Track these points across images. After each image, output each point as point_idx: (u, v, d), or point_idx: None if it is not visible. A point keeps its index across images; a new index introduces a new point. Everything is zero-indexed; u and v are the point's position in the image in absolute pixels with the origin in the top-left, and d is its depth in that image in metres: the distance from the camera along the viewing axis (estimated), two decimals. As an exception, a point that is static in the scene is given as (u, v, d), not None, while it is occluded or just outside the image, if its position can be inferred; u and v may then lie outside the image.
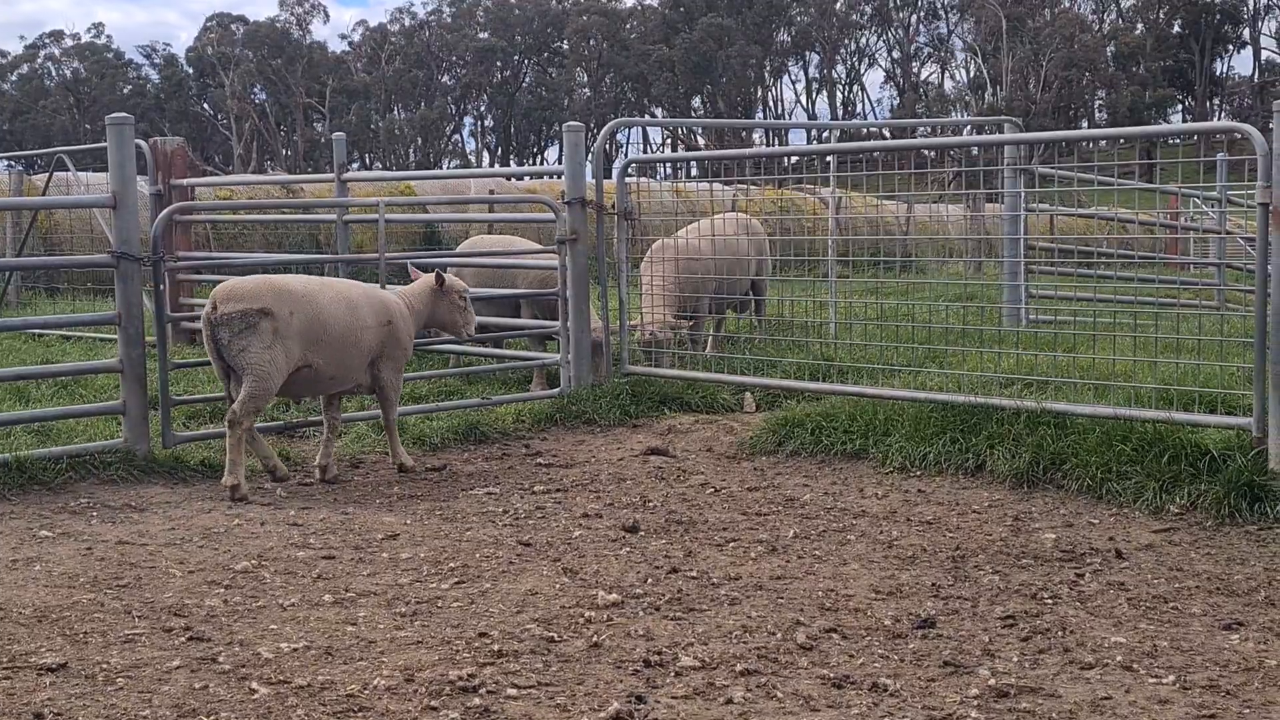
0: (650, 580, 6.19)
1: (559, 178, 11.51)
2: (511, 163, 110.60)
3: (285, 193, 21.98)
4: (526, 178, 31.77)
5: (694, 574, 6.28)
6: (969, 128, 50.22)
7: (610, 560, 6.56)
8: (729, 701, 4.67)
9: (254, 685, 4.81)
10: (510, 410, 10.20)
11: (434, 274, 9.11)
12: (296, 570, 6.44)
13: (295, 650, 5.22)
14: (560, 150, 11.24)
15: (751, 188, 17.30)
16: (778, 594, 5.98)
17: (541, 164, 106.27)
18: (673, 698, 4.71)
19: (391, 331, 8.69)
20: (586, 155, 10.88)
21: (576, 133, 10.95)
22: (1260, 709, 4.58)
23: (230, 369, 8.18)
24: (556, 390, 10.54)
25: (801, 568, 6.42)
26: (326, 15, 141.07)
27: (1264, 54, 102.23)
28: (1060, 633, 5.40)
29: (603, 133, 11.45)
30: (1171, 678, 4.87)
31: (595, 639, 5.32)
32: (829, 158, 13.74)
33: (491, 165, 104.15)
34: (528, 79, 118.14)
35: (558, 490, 8.21)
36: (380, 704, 4.65)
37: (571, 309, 10.52)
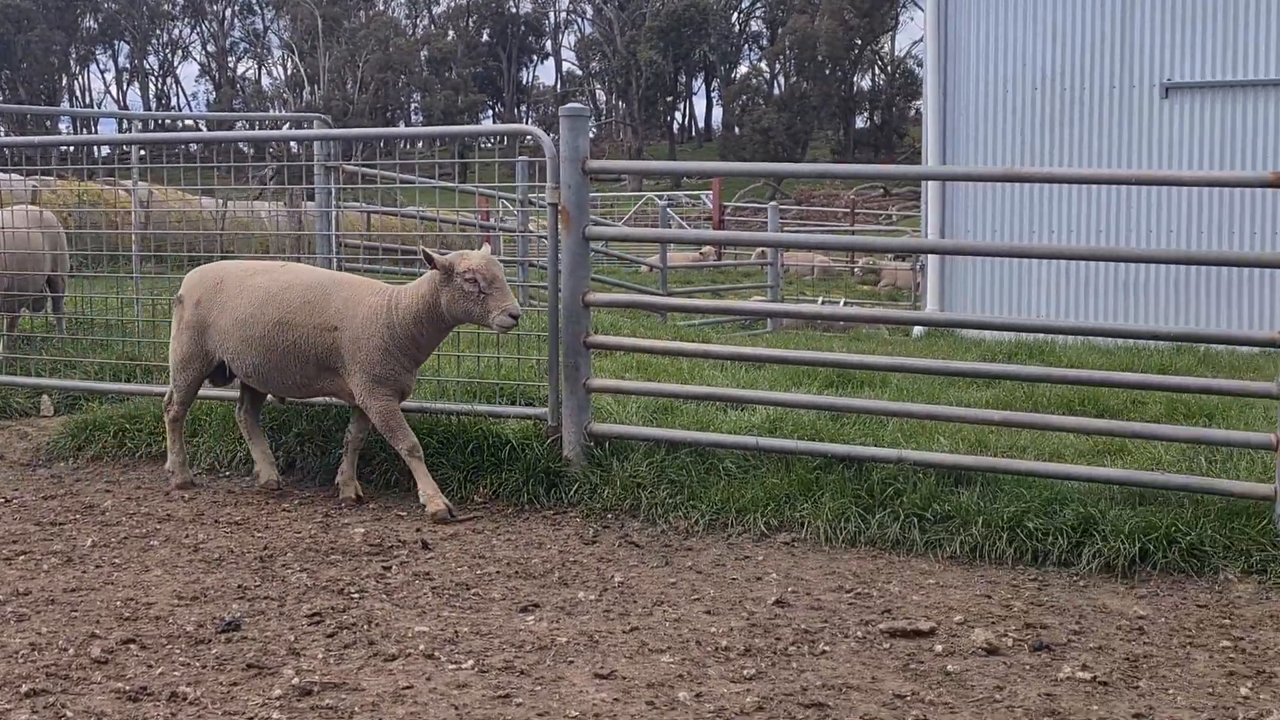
0: (-74, 603, 5.66)
1: None
2: None
3: None
4: None
5: (-22, 593, 5.81)
6: (287, 124, 49.89)
7: (-121, 584, 5.94)
8: (12, 727, 4.34)
9: None
10: None
11: (422, 253, 7.27)
12: None
13: None
14: None
15: (52, 179, 16.31)
16: (72, 607, 5.64)
17: None
18: (-54, 730, 4.32)
19: (336, 340, 7.37)
20: None
21: None
22: (551, 684, 4.80)
23: None
24: None
25: (100, 577, 6.09)
26: None
27: (565, 65, 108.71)
28: (366, 626, 5.43)
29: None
30: (471, 662, 5.01)
31: None
32: (140, 150, 13.19)
33: None
34: None
35: None
36: None
37: None
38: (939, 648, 5.25)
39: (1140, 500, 6.79)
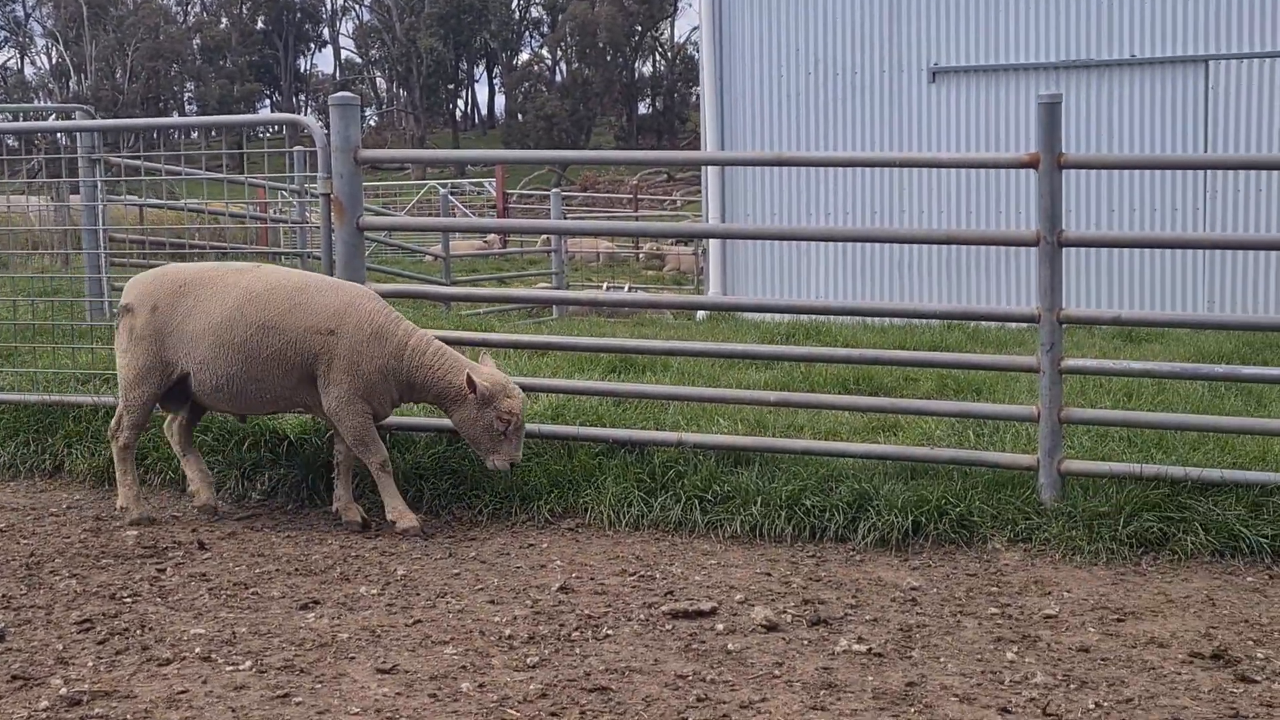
0: None
1: None
2: None
3: None
4: None
5: None
6: (53, 115, 48.14)
7: None
8: None
9: None
10: None
11: (465, 377, 6.68)
12: None
13: None
14: None
15: None
16: None
17: None
18: None
19: (330, 346, 6.68)
20: None
21: None
22: (332, 682, 4.74)
23: None
24: None
25: None
26: None
27: (344, 53, 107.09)
28: (140, 631, 5.29)
29: None
30: (249, 663, 4.91)
31: None
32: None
33: None
34: None
35: None
36: None
37: None
38: (720, 627, 5.32)
39: (913, 474, 6.99)
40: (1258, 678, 4.75)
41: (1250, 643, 5.13)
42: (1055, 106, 6.55)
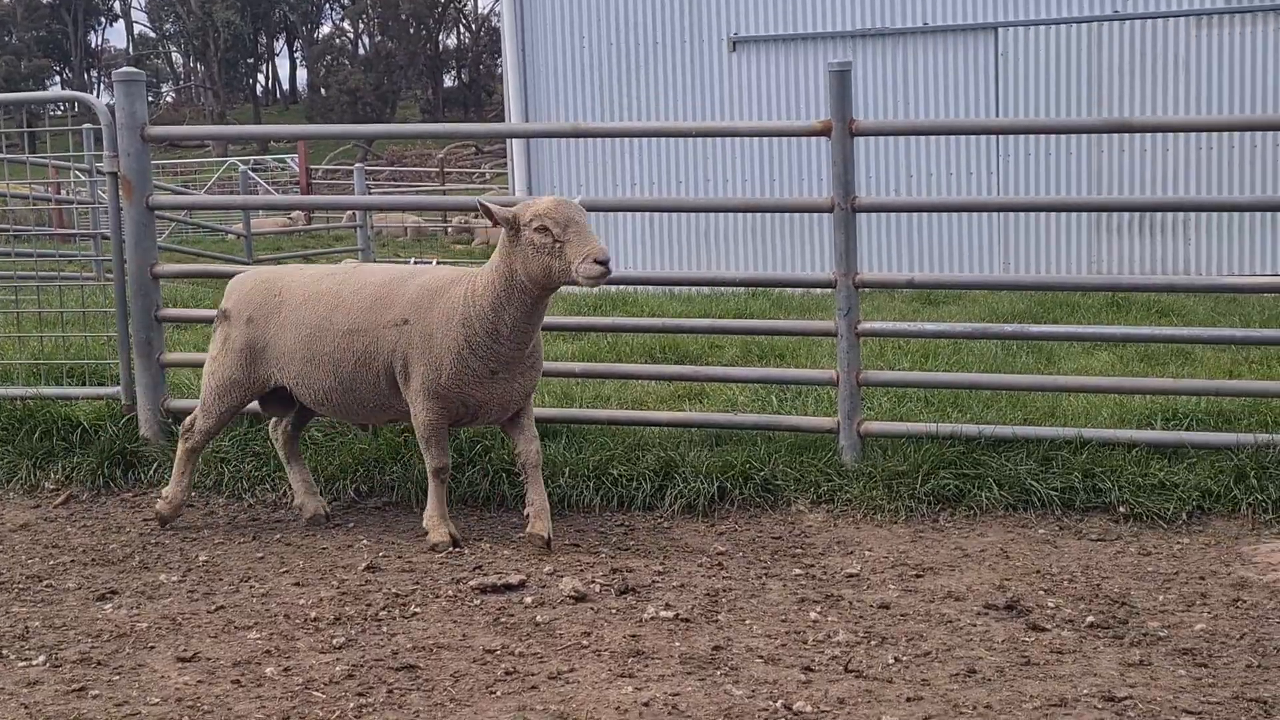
0: None
1: None
2: None
3: None
4: None
5: None
6: None
7: None
8: None
9: None
10: None
11: (479, 205, 5.93)
12: None
13: None
14: None
15: None
16: None
17: None
18: None
19: (404, 336, 5.99)
20: None
21: None
22: (131, 673, 4.62)
23: None
24: None
25: None
26: None
27: (137, 27, 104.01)
28: (-76, 631, 5.10)
29: None
30: (43, 658, 4.77)
31: None
32: None
33: None
34: None
35: None
36: None
37: None
38: (529, 599, 5.32)
39: (718, 441, 7.07)
40: (1048, 626, 4.92)
41: (1042, 593, 5.31)
42: (845, 74, 6.66)
